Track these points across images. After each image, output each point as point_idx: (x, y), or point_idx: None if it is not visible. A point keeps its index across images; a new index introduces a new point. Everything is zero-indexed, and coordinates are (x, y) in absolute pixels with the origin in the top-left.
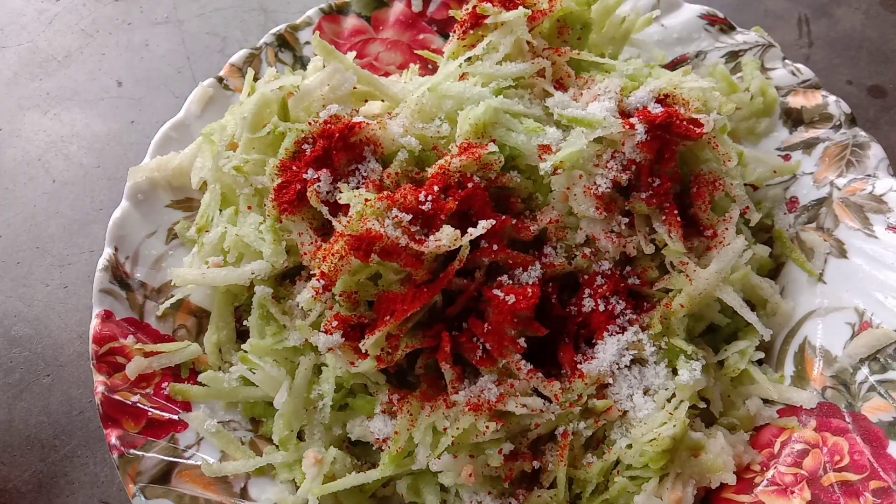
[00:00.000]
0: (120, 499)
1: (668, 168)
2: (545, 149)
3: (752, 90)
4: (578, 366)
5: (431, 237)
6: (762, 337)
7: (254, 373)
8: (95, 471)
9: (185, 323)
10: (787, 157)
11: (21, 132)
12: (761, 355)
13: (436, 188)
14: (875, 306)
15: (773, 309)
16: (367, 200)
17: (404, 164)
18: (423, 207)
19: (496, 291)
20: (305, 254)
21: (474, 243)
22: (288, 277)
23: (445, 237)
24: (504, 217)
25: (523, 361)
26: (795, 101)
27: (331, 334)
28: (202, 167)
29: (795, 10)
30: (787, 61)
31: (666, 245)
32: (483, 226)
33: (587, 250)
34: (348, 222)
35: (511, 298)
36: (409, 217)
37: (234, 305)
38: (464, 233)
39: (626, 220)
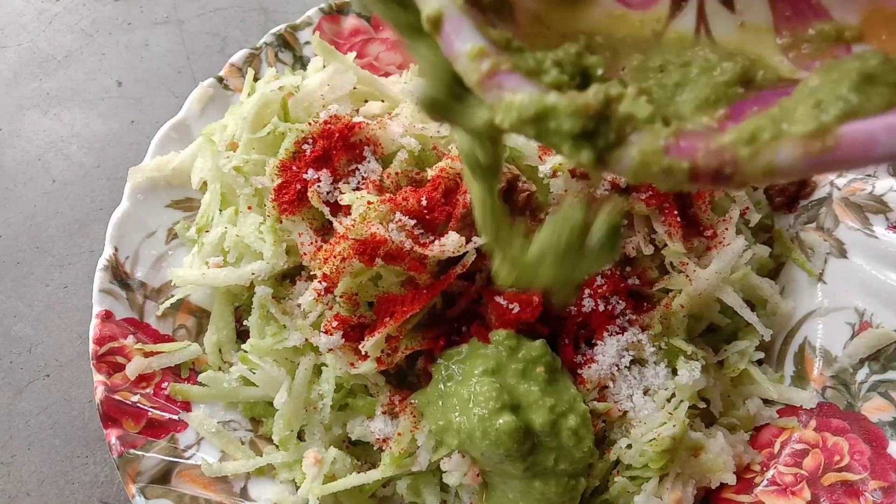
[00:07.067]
0: (120, 499)
1: None
2: (545, 149)
3: None
4: (579, 371)
5: (436, 242)
6: (762, 337)
7: (254, 373)
8: (95, 471)
9: (185, 323)
10: None
11: (21, 132)
12: (761, 355)
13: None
14: (875, 306)
15: (773, 309)
16: (369, 203)
17: (404, 165)
18: (425, 211)
19: (499, 299)
20: (305, 254)
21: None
22: (288, 277)
23: (451, 243)
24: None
25: None
26: None
27: (331, 335)
28: (202, 167)
29: None
30: None
31: (666, 245)
32: None
33: None
34: (352, 225)
35: (515, 307)
36: (413, 221)
37: (234, 305)
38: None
39: (626, 221)
